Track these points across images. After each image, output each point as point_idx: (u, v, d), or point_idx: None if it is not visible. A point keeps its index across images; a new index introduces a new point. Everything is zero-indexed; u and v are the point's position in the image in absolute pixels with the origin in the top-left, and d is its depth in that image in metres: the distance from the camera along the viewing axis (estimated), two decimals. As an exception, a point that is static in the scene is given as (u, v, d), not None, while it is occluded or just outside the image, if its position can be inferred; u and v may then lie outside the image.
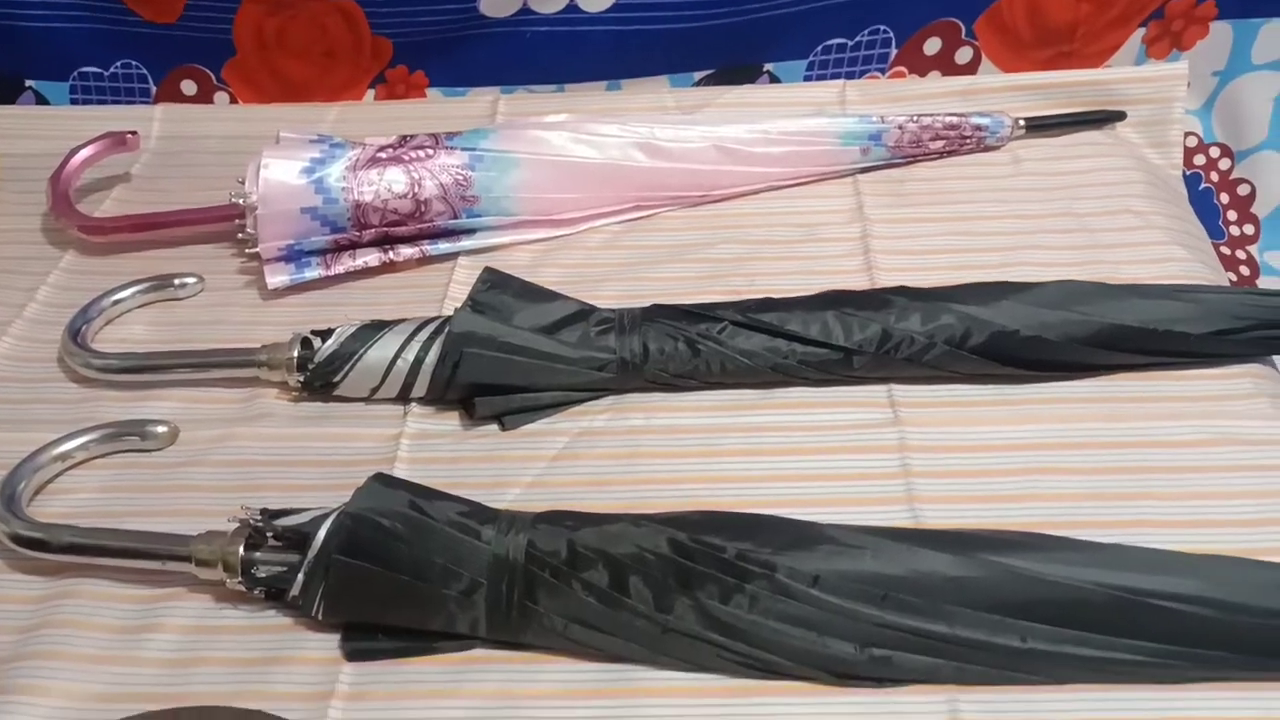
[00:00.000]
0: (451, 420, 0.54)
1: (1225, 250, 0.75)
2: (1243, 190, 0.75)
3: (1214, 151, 0.76)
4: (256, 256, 0.62)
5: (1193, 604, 0.39)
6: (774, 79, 0.77)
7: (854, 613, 0.40)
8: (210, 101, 0.78)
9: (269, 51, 0.76)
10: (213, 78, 0.78)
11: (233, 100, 0.78)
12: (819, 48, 0.75)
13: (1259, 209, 0.74)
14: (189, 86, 0.78)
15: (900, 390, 0.53)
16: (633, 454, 0.52)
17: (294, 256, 0.62)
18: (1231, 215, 0.76)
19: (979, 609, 0.40)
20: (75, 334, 0.59)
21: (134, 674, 0.44)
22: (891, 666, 0.40)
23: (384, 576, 0.43)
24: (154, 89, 0.78)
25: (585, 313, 0.55)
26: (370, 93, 0.78)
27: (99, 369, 0.57)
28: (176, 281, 0.63)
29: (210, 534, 0.45)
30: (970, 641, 0.40)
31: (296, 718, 0.41)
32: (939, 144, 0.68)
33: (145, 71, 0.78)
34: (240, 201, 0.62)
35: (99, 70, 0.78)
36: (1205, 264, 0.61)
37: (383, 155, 0.63)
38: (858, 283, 0.59)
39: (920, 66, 0.76)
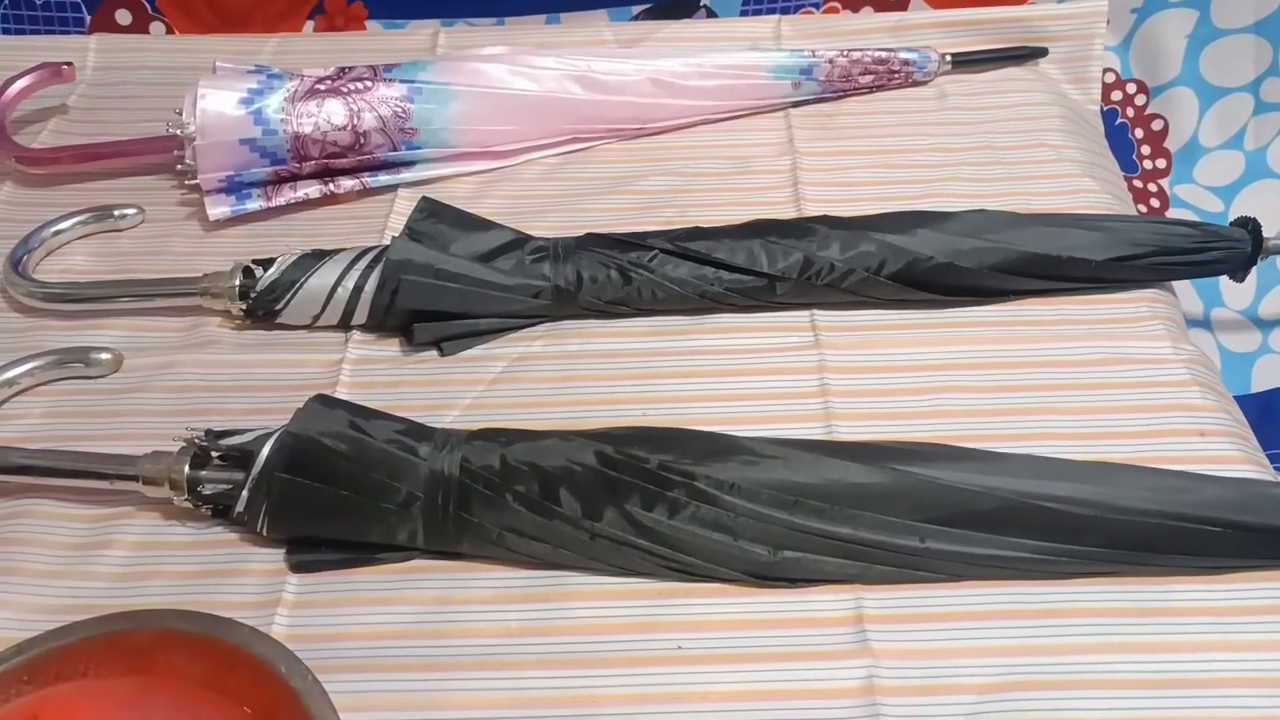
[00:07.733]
0: (392, 346, 0.56)
1: (1138, 183, 0.78)
2: (1156, 125, 0.78)
3: (1130, 87, 0.79)
4: (197, 188, 0.63)
5: (1073, 505, 0.43)
6: (711, 13, 0.78)
7: (767, 517, 0.43)
8: (146, 32, 0.78)
9: (205, -20, 0.76)
10: (148, 7, 0.77)
11: (169, 30, 0.78)
12: (755, -18, 0.77)
13: (1171, 143, 0.77)
14: (124, 16, 0.77)
15: (822, 315, 0.56)
16: (568, 377, 0.54)
17: (235, 188, 0.63)
18: (1145, 149, 0.79)
19: (881, 513, 0.43)
20: (16, 264, 0.59)
21: (87, 587, 0.45)
22: (802, 567, 0.43)
23: (325, 492, 0.44)
24: (88, 18, 0.77)
25: (520, 241, 0.57)
26: (309, 24, 0.78)
27: (41, 298, 0.58)
28: (117, 213, 0.64)
29: (156, 454, 0.47)
30: (873, 543, 0.43)
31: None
32: (868, 79, 0.70)
33: (79, 0, 0.77)
34: (178, 132, 0.62)
35: (31, -2, 0.77)
36: (1114, 195, 0.64)
37: (321, 87, 0.64)
38: (786, 213, 0.61)
39: (854, 2, 0.78)
